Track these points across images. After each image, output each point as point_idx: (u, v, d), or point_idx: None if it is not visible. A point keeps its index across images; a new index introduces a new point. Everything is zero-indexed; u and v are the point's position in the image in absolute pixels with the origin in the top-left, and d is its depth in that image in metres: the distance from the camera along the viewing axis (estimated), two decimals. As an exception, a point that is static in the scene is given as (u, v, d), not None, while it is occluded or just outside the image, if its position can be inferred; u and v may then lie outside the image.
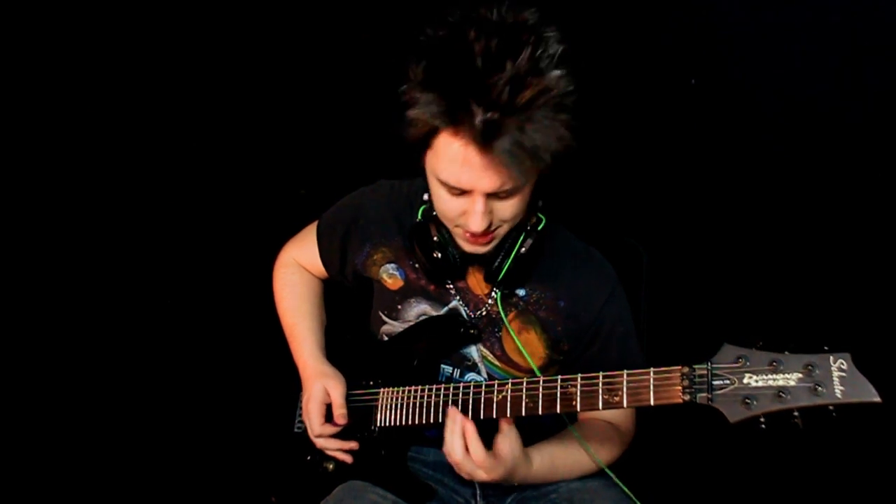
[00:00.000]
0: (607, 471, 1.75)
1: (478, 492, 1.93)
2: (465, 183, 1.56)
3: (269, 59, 2.73)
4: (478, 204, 1.59)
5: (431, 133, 1.54)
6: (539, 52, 1.45)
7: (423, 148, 1.60)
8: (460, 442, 1.64)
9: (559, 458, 1.80)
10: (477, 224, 1.60)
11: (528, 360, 1.83)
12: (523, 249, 1.75)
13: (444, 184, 1.60)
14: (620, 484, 1.72)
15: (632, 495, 1.71)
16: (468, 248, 1.75)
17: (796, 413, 1.30)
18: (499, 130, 1.43)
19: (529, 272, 1.81)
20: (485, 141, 1.45)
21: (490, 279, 1.80)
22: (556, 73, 1.46)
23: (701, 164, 2.49)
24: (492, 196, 1.59)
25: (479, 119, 1.43)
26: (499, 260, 1.76)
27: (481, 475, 1.65)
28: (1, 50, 2.61)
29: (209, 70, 2.75)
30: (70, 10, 2.62)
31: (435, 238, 1.78)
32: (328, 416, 1.88)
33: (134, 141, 2.78)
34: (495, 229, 1.68)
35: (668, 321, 2.26)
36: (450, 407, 1.69)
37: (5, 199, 2.70)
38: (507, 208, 1.63)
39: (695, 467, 2.51)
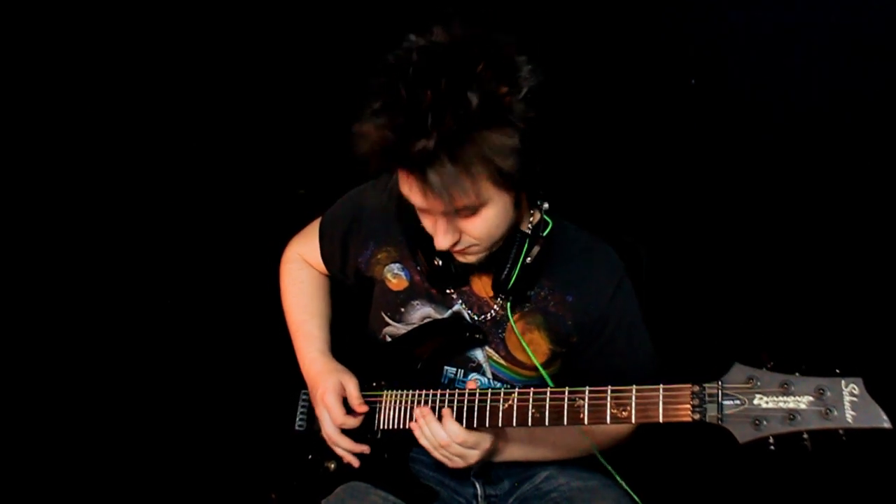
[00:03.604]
0: (605, 463, 1.76)
1: (479, 492, 1.94)
2: (419, 205, 1.60)
3: (268, 59, 2.71)
4: (438, 224, 1.62)
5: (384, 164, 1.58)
6: (468, 69, 1.45)
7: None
8: (441, 432, 1.67)
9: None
10: (439, 242, 1.63)
11: (532, 357, 1.84)
12: (529, 259, 1.75)
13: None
14: (624, 484, 1.73)
15: (633, 494, 1.72)
16: (459, 258, 1.74)
17: (806, 436, 1.31)
18: (430, 157, 1.45)
19: (537, 279, 1.81)
20: (420, 169, 1.48)
21: (499, 289, 1.80)
22: (489, 89, 1.46)
23: (701, 165, 2.49)
24: (453, 215, 1.59)
25: (411, 149, 1.45)
26: (507, 270, 1.75)
27: (473, 454, 1.69)
28: (1, 50, 2.58)
29: (209, 70, 2.73)
30: (70, 10, 2.59)
31: None
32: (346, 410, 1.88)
33: (134, 141, 2.76)
34: (469, 247, 1.67)
35: (667, 321, 2.27)
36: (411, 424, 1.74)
37: (5, 200, 2.67)
38: (474, 226, 1.62)
39: (700, 483, 2.52)
